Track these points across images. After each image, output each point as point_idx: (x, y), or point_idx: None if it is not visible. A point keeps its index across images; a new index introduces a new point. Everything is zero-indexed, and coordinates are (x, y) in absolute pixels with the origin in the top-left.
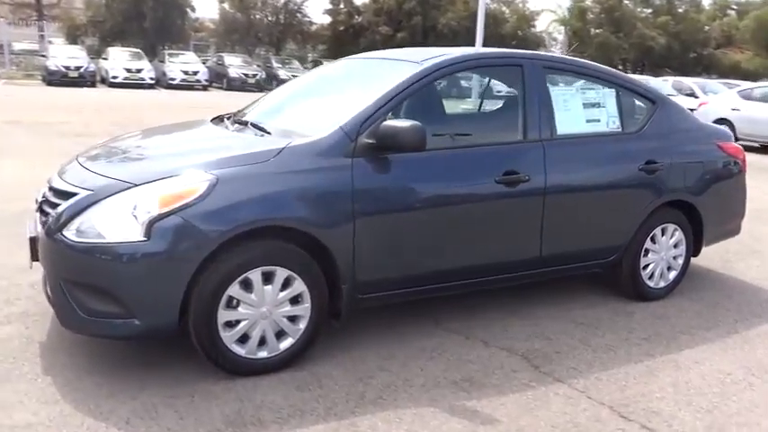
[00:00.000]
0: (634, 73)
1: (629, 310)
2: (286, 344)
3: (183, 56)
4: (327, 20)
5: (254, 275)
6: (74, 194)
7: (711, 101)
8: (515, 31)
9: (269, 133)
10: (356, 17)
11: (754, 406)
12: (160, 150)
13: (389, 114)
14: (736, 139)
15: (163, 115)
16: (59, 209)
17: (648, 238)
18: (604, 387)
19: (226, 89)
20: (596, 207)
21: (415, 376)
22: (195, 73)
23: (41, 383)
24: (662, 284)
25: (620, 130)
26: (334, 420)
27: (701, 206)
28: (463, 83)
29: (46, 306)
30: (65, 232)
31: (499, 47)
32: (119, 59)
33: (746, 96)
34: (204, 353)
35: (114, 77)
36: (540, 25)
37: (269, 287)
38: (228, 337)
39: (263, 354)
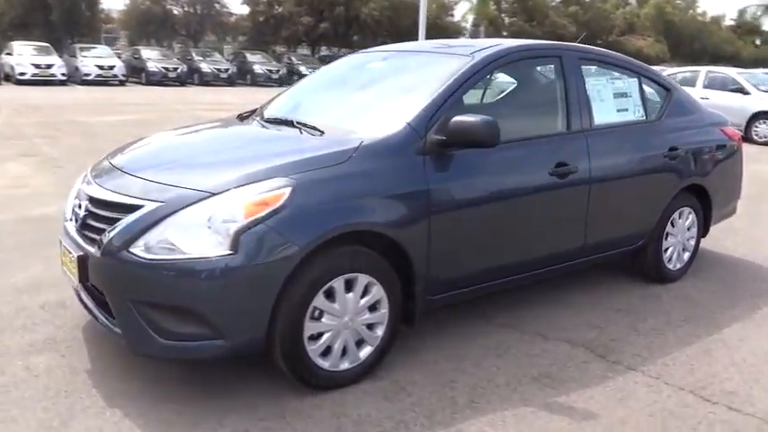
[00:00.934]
0: None
1: (656, 294)
2: (365, 353)
3: (96, 50)
4: (247, 10)
5: (338, 284)
6: (136, 207)
7: None
8: (435, 21)
9: (321, 132)
10: (277, 7)
11: None
12: (218, 155)
13: (451, 109)
14: None
15: (95, 113)
16: (122, 223)
17: (669, 223)
18: (675, 372)
19: (145, 84)
20: (630, 194)
21: (495, 376)
22: (111, 67)
23: (112, 417)
24: (678, 266)
25: (644, 118)
26: (440, 429)
27: (711, 189)
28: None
29: (70, 329)
30: (133, 249)
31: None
32: (25, 55)
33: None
34: (289, 369)
35: (22, 74)
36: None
37: (350, 295)
38: (313, 351)
39: (344, 365)
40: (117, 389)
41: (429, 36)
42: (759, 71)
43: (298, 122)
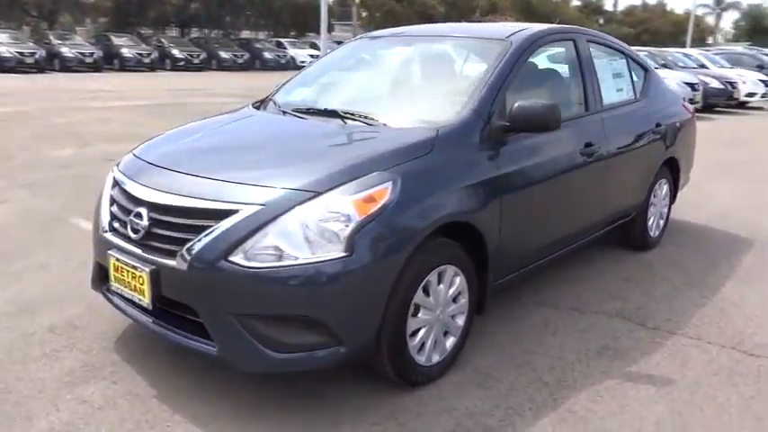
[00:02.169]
0: None
1: (646, 261)
2: (449, 344)
3: None
4: None
5: (433, 277)
6: (228, 212)
7: None
8: (308, 2)
9: (374, 120)
10: None
11: None
12: (287, 151)
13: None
14: None
15: None
16: (215, 231)
17: (652, 194)
18: (709, 332)
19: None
20: (632, 169)
21: (562, 353)
22: None
23: None
24: (657, 234)
25: (634, 97)
26: (549, 411)
27: (681, 160)
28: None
29: (101, 352)
30: (233, 258)
31: (294, 16)
32: None
33: None
34: (394, 368)
35: None
36: None
37: (441, 287)
38: (413, 348)
39: (435, 358)
40: (205, 412)
41: (299, 17)
42: None
43: (343, 113)
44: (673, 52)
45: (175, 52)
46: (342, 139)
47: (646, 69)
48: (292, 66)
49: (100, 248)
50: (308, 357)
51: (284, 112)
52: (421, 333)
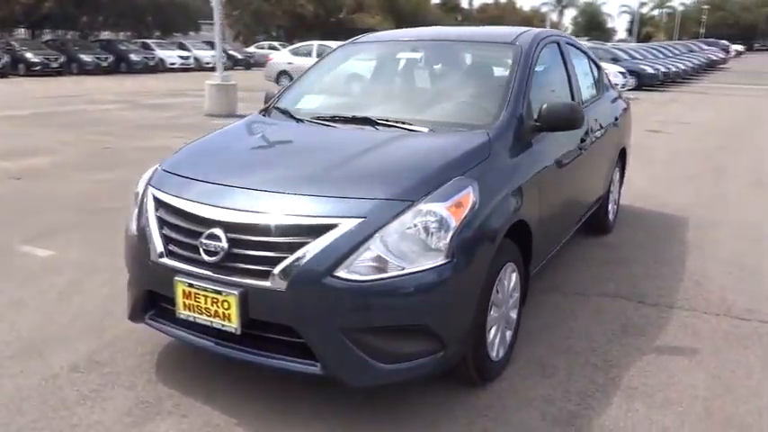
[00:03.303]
0: (289, 41)
1: (610, 243)
2: (508, 338)
3: None
4: None
5: (503, 275)
6: (326, 227)
7: (275, 57)
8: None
9: (410, 126)
10: None
11: None
12: (350, 160)
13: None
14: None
15: None
16: (316, 247)
17: (610, 182)
18: (699, 302)
19: None
20: (605, 159)
21: (593, 336)
22: None
23: None
24: (612, 217)
25: (596, 93)
26: (616, 389)
27: (628, 148)
28: None
29: (147, 385)
30: (338, 273)
31: (157, 16)
32: None
33: (295, 53)
34: (475, 366)
35: None
36: None
37: (506, 284)
38: (489, 345)
39: (501, 353)
40: None
41: (163, 17)
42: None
43: (381, 120)
44: None
45: (29, 56)
46: (399, 146)
47: (599, 67)
48: (162, 68)
49: (153, 276)
50: (415, 366)
51: (299, 120)
52: (493, 330)
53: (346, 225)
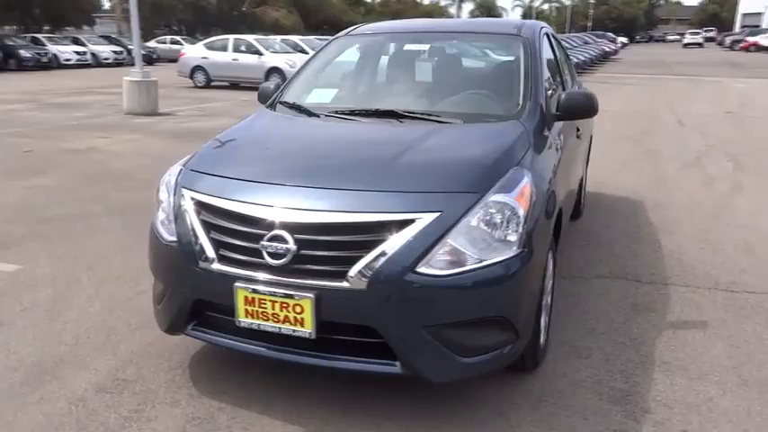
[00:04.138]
0: (191, 35)
1: (586, 228)
2: (545, 321)
3: None
4: None
5: (549, 262)
6: (403, 222)
7: (188, 51)
8: None
9: (438, 118)
10: None
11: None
12: (399, 154)
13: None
14: (210, 81)
15: None
16: (395, 244)
17: (586, 168)
18: (688, 278)
19: None
20: (585, 147)
21: (610, 315)
22: None
23: None
24: (583, 201)
25: (572, 81)
26: (652, 365)
27: (592, 136)
28: None
29: (191, 401)
30: (420, 269)
31: (47, 9)
32: None
33: (210, 47)
34: (531, 356)
35: None
36: None
37: (549, 269)
38: (541, 331)
39: (543, 338)
40: None
41: (54, 10)
42: (276, 37)
43: (409, 112)
44: None
45: None
46: (445, 139)
47: (568, 57)
48: (56, 65)
49: (203, 284)
50: (492, 357)
51: (316, 115)
52: (543, 316)
53: (425, 220)
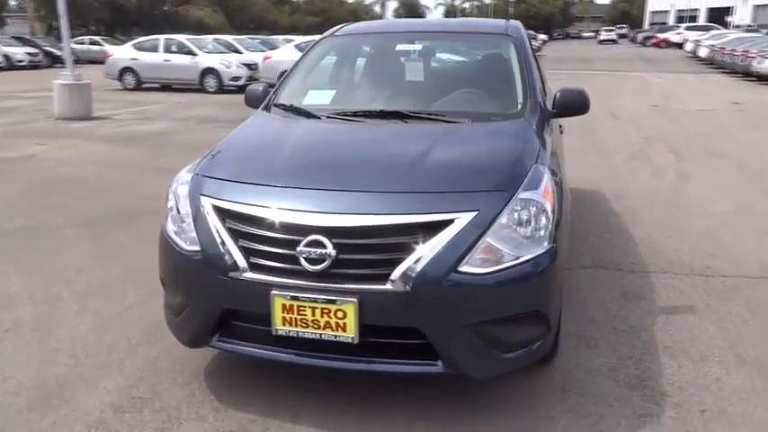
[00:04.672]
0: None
1: None
2: None
3: None
4: None
5: None
6: (443, 223)
7: (116, 52)
8: None
9: (443, 117)
10: None
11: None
12: (421, 155)
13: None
14: (141, 83)
15: None
16: (436, 244)
17: None
18: (665, 265)
19: None
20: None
21: (606, 304)
22: None
23: None
24: None
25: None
26: (656, 349)
27: None
28: None
29: (219, 415)
30: (462, 268)
31: None
32: None
33: (140, 47)
34: (554, 346)
35: None
36: None
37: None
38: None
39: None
40: None
41: None
42: (208, 37)
43: (415, 113)
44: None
45: None
46: (464, 137)
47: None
48: None
49: (234, 293)
50: (530, 351)
51: (317, 116)
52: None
53: (464, 219)
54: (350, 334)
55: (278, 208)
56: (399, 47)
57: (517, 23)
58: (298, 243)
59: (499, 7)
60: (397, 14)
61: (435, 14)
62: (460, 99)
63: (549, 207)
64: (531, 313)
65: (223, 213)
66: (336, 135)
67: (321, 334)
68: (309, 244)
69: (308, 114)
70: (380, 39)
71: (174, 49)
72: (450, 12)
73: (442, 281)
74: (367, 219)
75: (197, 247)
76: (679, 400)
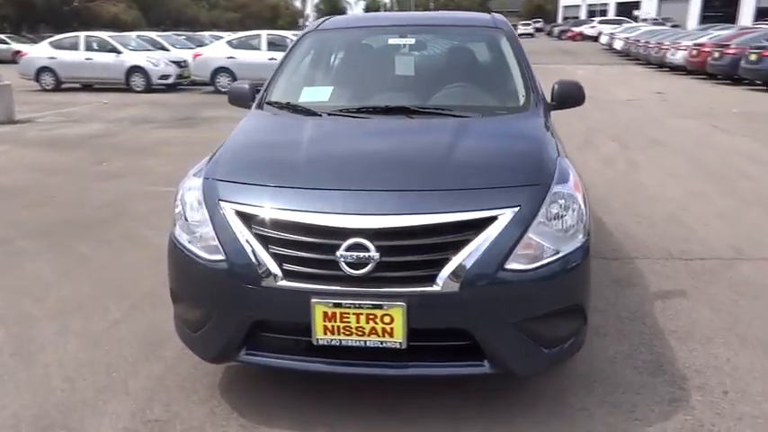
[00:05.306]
0: (16, 33)
1: None
2: None
3: None
4: None
5: None
6: (487, 220)
7: (31, 51)
8: None
9: (449, 111)
10: None
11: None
12: (437, 153)
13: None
14: (61, 83)
15: None
16: (482, 242)
17: None
18: (646, 251)
19: None
20: None
21: (602, 292)
22: None
23: None
24: None
25: None
26: (663, 333)
27: None
28: None
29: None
30: (509, 266)
31: None
32: None
33: (58, 46)
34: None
35: None
36: None
37: None
38: None
39: None
40: None
41: None
42: (131, 34)
43: (421, 108)
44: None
45: None
46: (484, 133)
47: None
48: None
49: (267, 303)
50: (569, 346)
51: (318, 114)
52: None
53: (507, 215)
54: (397, 339)
55: (312, 211)
56: (392, 41)
57: (503, 17)
58: (337, 247)
59: (420, 2)
60: (318, 9)
61: (356, 10)
62: (462, 93)
63: (580, 199)
64: (572, 307)
65: (248, 219)
66: (351, 133)
67: (366, 341)
68: (350, 248)
69: (309, 112)
70: (369, 33)
71: (95, 46)
72: (372, 7)
73: (490, 279)
74: (411, 219)
75: (220, 256)
76: (700, 383)
